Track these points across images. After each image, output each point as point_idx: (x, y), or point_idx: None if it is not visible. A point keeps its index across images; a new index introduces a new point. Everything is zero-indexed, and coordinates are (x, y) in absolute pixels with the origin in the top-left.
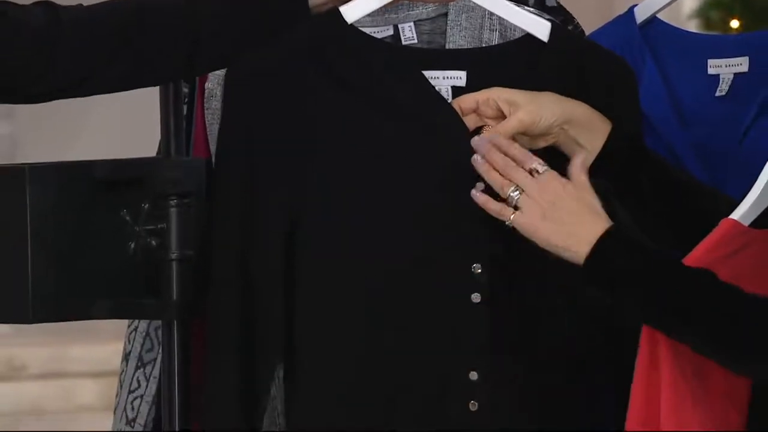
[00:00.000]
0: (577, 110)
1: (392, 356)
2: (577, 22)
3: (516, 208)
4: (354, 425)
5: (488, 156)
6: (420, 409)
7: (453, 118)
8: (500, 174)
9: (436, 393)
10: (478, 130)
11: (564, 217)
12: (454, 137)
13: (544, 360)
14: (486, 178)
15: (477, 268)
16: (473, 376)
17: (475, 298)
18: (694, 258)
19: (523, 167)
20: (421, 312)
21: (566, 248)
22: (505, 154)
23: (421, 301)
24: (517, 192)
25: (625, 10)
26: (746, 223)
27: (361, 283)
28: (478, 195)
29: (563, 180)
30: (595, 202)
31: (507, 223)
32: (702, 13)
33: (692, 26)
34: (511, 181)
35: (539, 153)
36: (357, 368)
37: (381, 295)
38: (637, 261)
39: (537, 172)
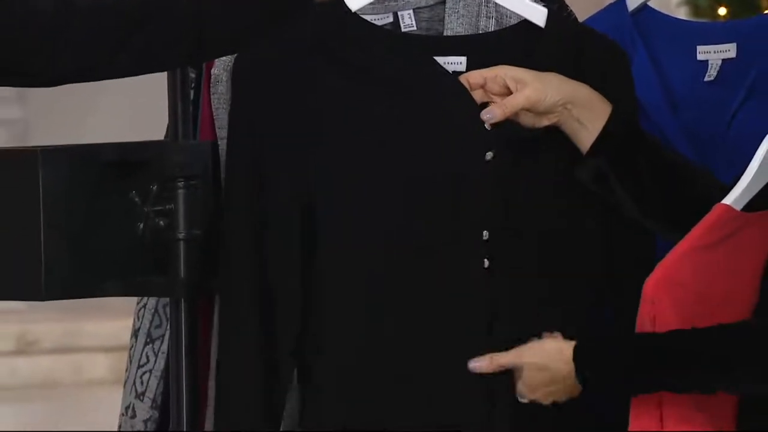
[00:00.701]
0: (580, 91)
1: (408, 326)
2: (571, 10)
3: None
4: (371, 398)
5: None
6: (436, 372)
7: (461, 92)
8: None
9: (452, 352)
10: (484, 105)
11: (554, 387)
12: (462, 110)
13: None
14: None
15: (486, 236)
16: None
17: (485, 263)
18: (688, 242)
19: None
20: (434, 280)
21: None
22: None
23: (435, 268)
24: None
25: None
26: (739, 207)
27: (375, 254)
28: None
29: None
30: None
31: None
32: (691, 1)
33: (681, 13)
34: None
35: (542, 131)
36: (373, 339)
37: (395, 266)
38: (614, 369)
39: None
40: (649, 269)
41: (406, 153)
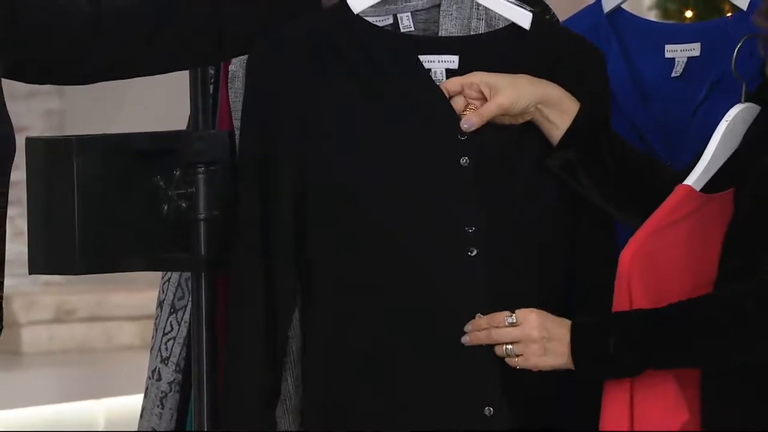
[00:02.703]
0: (551, 92)
1: (393, 318)
2: (553, 12)
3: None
4: (360, 360)
5: (473, 337)
6: (427, 351)
7: (441, 99)
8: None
9: (438, 331)
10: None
11: (552, 346)
12: (441, 118)
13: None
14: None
15: (469, 230)
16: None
17: (471, 252)
18: (656, 220)
19: (499, 326)
20: (419, 272)
21: (561, 366)
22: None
23: (421, 260)
24: (510, 346)
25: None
26: (698, 188)
27: (363, 244)
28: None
29: (531, 312)
30: (557, 320)
31: (517, 366)
32: (661, 5)
33: (652, 16)
34: (501, 342)
35: (516, 134)
36: (358, 328)
37: (380, 257)
38: (607, 343)
39: (512, 321)
40: (611, 252)
41: (391, 154)
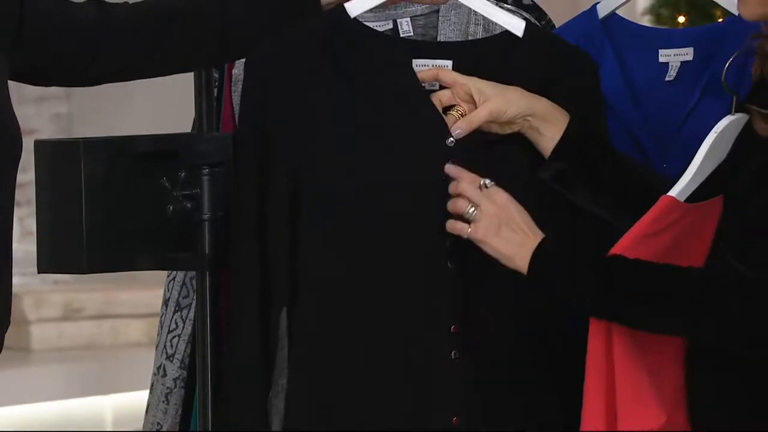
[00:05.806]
0: (539, 104)
1: (375, 320)
2: (549, 18)
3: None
4: (330, 363)
5: (454, 186)
6: (404, 355)
7: (428, 105)
8: (461, 197)
9: (420, 342)
10: (448, 108)
11: (511, 234)
12: (429, 122)
13: (510, 318)
14: (451, 209)
15: (447, 241)
16: (453, 329)
17: (449, 262)
18: (638, 230)
19: (473, 182)
20: (401, 278)
21: (511, 262)
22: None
23: (402, 267)
24: (473, 209)
25: (589, 7)
26: (683, 198)
27: (349, 249)
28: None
29: (502, 192)
30: (526, 217)
31: (464, 236)
32: (654, 10)
33: (645, 21)
34: (469, 199)
35: (508, 136)
36: (342, 335)
37: (364, 263)
38: (566, 268)
39: (485, 183)
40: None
41: (380, 158)
